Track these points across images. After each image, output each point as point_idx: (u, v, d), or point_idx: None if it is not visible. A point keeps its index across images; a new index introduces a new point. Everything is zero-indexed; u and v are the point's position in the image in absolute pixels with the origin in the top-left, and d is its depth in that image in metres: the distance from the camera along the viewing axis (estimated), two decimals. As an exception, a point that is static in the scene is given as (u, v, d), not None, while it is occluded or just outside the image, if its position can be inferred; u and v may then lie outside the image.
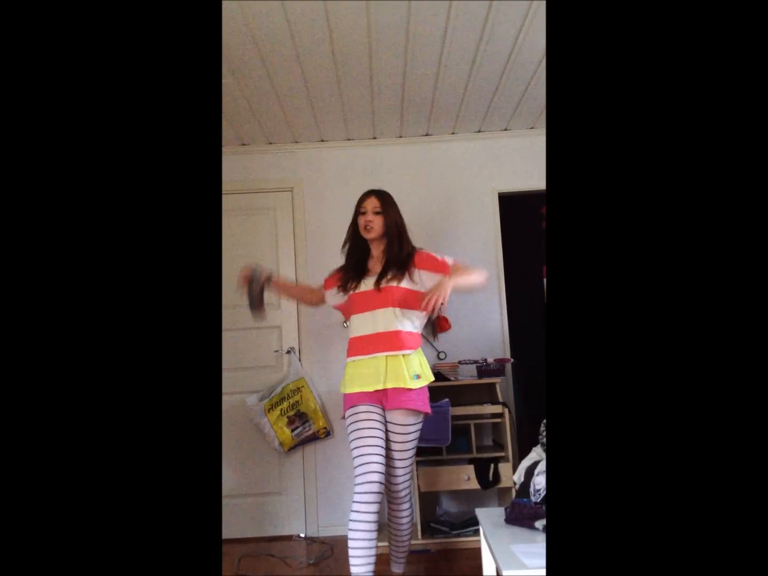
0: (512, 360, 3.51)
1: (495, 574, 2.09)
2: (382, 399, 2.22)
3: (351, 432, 2.18)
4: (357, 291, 2.28)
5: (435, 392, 3.23)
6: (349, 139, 3.76)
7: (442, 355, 3.56)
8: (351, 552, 2.04)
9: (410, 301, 2.23)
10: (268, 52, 2.69)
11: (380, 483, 2.06)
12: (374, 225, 2.28)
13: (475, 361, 3.35)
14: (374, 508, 2.04)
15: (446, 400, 3.07)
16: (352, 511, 2.06)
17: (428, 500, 3.39)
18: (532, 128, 3.73)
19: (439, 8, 2.44)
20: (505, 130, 3.74)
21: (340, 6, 2.39)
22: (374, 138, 3.77)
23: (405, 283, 2.23)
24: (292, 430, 3.39)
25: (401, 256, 2.28)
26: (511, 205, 3.83)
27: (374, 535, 2.05)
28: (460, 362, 3.37)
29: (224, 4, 2.32)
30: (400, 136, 3.76)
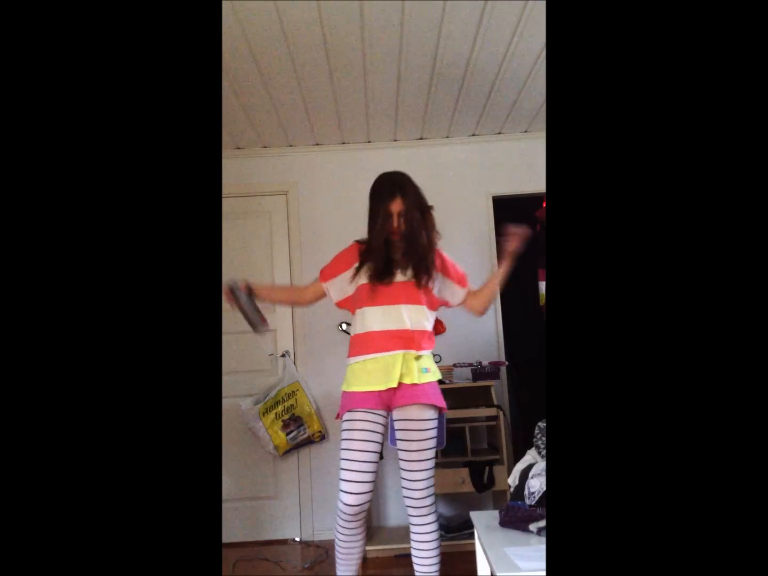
0: (507, 363, 3.52)
1: (490, 576, 2.09)
2: (390, 398, 2.06)
3: (344, 440, 2.04)
4: (386, 282, 2.08)
5: (430, 395, 3.24)
6: (343, 143, 3.77)
7: (436, 358, 3.56)
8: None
9: (431, 301, 2.15)
10: (262, 56, 2.70)
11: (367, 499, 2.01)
12: (403, 227, 2.09)
13: (470, 364, 3.35)
14: (358, 518, 2.03)
15: (441, 403, 3.07)
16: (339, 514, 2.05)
17: (423, 503, 3.39)
18: (526, 132, 3.75)
19: (433, 12, 2.46)
20: (499, 133, 3.76)
21: (333, 9, 2.40)
22: (369, 142, 3.77)
23: (430, 282, 2.12)
24: (287, 434, 3.39)
25: (429, 252, 2.12)
26: (505, 208, 3.85)
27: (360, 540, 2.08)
28: (454, 365, 3.38)
29: (218, 9, 2.32)
30: (395, 140, 3.77)
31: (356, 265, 2.15)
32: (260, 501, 3.52)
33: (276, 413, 3.40)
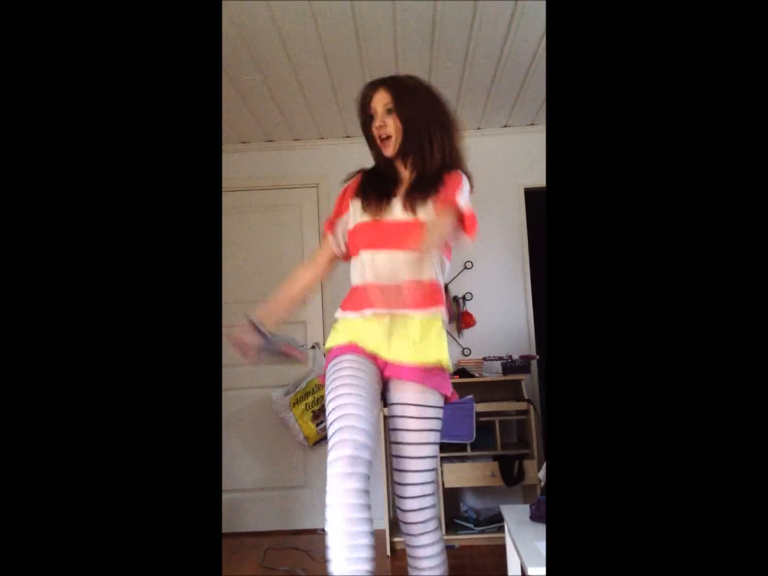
0: (538, 357, 3.48)
1: (520, 571, 2.08)
2: (382, 365, 1.52)
3: (328, 390, 1.47)
4: (377, 218, 1.54)
5: (460, 388, 3.23)
6: (374, 135, 3.76)
7: (466, 351, 3.55)
8: (330, 549, 1.41)
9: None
10: (294, 48, 2.71)
11: (363, 445, 1.36)
12: (389, 131, 1.54)
13: (500, 358, 3.33)
14: (357, 481, 1.39)
15: (470, 396, 3.07)
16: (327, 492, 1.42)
17: (452, 496, 3.39)
18: (559, 123, 3.69)
19: (465, 3, 2.43)
20: (532, 125, 3.71)
21: (365, 2, 2.39)
22: (399, 133, 3.76)
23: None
24: (317, 425, 3.42)
25: (432, 169, 1.54)
26: (537, 200, 3.80)
27: (363, 524, 1.40)
28: (484, 359, 3.36)
29: (251, 2, 2.33)
30: (426, 132, 3.75)
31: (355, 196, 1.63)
32: (290, 490, 3.56)
33: (306, 404, 3.43)
